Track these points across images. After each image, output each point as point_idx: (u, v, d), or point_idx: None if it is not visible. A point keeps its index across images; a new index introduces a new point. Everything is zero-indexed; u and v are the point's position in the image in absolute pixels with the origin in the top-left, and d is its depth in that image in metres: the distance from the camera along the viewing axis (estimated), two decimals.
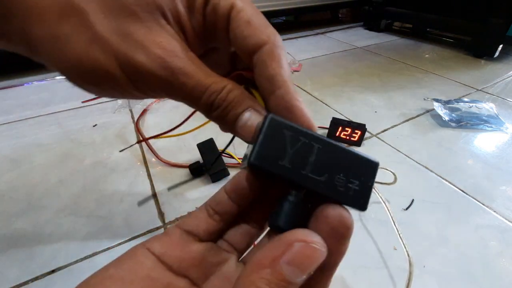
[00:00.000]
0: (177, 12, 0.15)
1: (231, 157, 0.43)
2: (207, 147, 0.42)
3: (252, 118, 0.15)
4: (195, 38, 0.16)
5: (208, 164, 0.40)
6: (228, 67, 0.20)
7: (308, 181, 0.13)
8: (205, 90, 0.15)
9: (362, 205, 0.14)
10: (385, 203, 0.33)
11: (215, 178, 0.40)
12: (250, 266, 0.12)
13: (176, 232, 0.16)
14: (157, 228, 0.34)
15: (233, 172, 0.42)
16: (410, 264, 0.28)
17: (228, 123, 0.16)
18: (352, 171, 0.13)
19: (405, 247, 0.29)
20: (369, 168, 0.14)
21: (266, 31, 0.16)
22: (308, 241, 0.12)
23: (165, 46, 0.14)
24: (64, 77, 0.15)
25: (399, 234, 0.30)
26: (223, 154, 0.43)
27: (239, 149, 0.47)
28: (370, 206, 0.37)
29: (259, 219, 0.17)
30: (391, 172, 0.38)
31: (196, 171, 0.41)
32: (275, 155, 0.13)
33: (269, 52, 0.15)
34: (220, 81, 0.15)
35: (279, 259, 0.12)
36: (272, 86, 0.15)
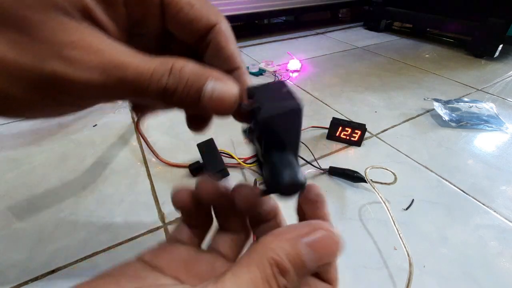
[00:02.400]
0: (84, 6, 0.12)
1: (231, 157, 0.43)
2: (207, 147, 0.42)
3: (217, 86, 0.13)
4: (117, 30, 0.14)
5: (208, 164, 0.40)
6: (156, 53, 0.16)
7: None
8: (150, 76, 0.12)
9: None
10: (385, 203, 0.33)
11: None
12: (272, 235, 0.13)
13: (165, 241, 0.18)
14: (157, 228, 0.34)
15: (233, 172, 0.42)
16: (410, 264, 0.28)
17: (192, 103, 0.13)
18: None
19: (405, 247, 0.29)
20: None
21: (212, 10, 0.15)
22: (333, 232, 0.13)
23: (82, 44, 0.11)
24: None
25: (399, 234, 0.30)
26: (223, 154, 0.43)
27: (239, 149, 0.47)
28: (370, 206, 0.37)
29: (239, 226, 0.18)
30: (391, 172, 0.38)
31: (196, 171, 0.41)
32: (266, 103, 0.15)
33: (222, 33, 0.15)
34: (164, 61, 0.13)
35: (301, 237, 0.12)
36: (231, 65, 0.15)
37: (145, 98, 0.13)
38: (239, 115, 0.15)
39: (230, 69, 0.16)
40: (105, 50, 0.12)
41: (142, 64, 0.12)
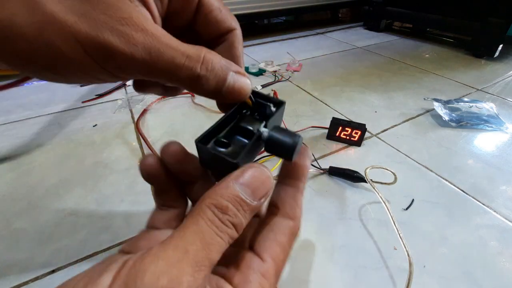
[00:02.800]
0: None
1: None
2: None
3: (237, 79, 0.16)
4: (158, 16, 0.16)
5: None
6: None
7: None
8: (184, 62, 0.14)
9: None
10: (385, 203, 0.33)
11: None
12: (208, 191, 0.14)
13: (141, 230, 0.18)
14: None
15: None
16: (410, 264, 0.28)
17: (216, 92, 0.16)
18: None
19: (405, 247, 0.29)
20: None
21: (233, 18, 0.19)
22: (256, 166, 0.14)
23: (132, 22, 0.13)
24: (14, 67, 0.13)
25: (399, 234, 0.30)
26: None
27: None
28: (370, 206, 0.37)
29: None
30: (391, 172, 0.38)
31: None
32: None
33: (238, 37, 0.18)
34: (197, 50, 0.14)
35: (232, 180, 0.14)
36: (236, 61, 0.18)
37: (175, 80, 0.14)
38: (227, 105, 0.18)
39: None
40: (149, 30, 0.13)
41: (178, 49, 0.14)
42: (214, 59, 0.15)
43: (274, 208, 0.18)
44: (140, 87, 0.20)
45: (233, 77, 0.16)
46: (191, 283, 0.11)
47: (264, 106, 0.18)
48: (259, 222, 0.17)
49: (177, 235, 0.12)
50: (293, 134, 0.16)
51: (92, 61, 0.13)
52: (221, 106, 0.19)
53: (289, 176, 0.18)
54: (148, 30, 0.13)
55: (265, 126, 0.17)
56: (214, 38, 0.18)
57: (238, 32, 0.19)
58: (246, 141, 0.17)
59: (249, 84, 0.17)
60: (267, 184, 0.14)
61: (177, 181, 0.18)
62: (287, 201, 0.18)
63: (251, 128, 0.17)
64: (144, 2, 0.14)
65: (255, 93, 0.18)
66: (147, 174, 0.17)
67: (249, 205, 0.13)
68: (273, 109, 0.18)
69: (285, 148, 0.16)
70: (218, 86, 0.15)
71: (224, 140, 0.16)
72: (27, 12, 0.12)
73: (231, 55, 0.18)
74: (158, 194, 0.18)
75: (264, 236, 0.16)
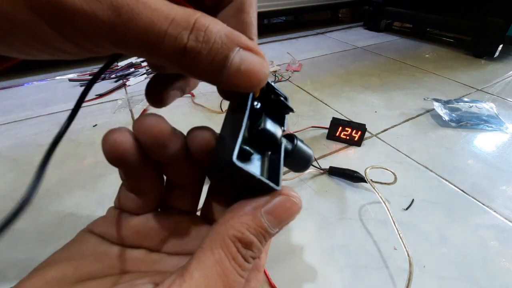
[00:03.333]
0: None
1: None
2: None
3: (247, 57, 0.11)
4: None
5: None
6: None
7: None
8: (167, 27, 0.10)
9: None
10: (385, 203, 0.33)
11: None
12: (230, 213, 0.12)
13: (112, 213, 0.16)
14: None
15: None
16: (410, 264, 0.28)
17: (214, 73, 0.11)
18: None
19: (405, 247, 0.29)
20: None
21: None
22: (289, 195, 0.13)
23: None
24: None
25: (399, 234, 0.30)
26: None
27: None
28: (370, 206, 0.37)
29: (190, 177, 0.16)
30: (391, 172, 0.38)
31: None
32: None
33: (242, 6, 0.13)
34: (187, 12, 0.10)
35: (260, 208, 0.12)
36: (245, 31, 0.13)
37: (156, 56, 0.10)
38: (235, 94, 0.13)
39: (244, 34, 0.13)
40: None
41: (161, 10, 0.10)
42: (211, 25, 0.10)
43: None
44: (154, 66, 0.16)
45: (240, 54, 0.11)
46: None
47: (278, 104, 0.14)
48: None
49: (198, 277, 0.11)
50: (306, 144, 0.14)
51: (44, 24, 0.09)
52: (223, 92, 0.15)
53: None
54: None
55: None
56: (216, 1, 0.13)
57: None
58: (268, 151, 0.14)
59: (263, 66, 0.11)
60: (294, 213, 0.13)
61: (154, 163, 0.15)
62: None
63: (277, 136, 0.13)
64: None
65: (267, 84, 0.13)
66: (116, 156, 0.13)
67: (271, 234, 0.12)
68: (288, 111, 0.14)
69: (305, 160, 0.14)
70: (216, 66, 0.11)
71: (250, 150, 0.13)
72: None
73: (239, 23, 0.13)
74: (129, 177, 0.15)
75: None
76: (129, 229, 0.15)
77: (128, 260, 0.14)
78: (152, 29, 0.09)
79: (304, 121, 0.55)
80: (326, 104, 0.63)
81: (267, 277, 0.28)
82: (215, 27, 0.10)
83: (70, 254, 0.14)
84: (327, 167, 0.42)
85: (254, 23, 0.13)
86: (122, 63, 0.79)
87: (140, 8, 0.09)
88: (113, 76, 0.73)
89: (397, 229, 0.31)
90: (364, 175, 0.38)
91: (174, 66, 0.11)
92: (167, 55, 0.10)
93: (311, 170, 0.42)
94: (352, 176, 0.40)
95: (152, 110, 0.59)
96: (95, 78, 0.14)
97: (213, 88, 0.51)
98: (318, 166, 0.43)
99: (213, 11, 0.13)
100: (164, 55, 0.10)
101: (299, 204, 0.13)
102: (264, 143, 0.13)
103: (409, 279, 0.27)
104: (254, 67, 0.11)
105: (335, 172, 0.41)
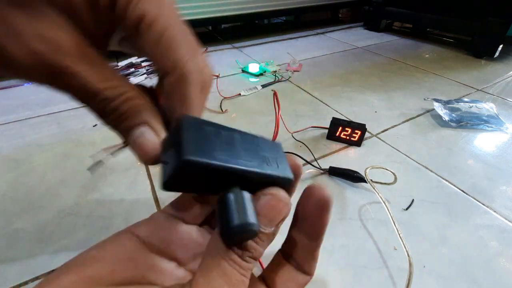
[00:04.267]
0: (70, 3, 0.12)
1: None
2: None
3: (144, 135, 0.13)
4: (99, 34, 0.13)
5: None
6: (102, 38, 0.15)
7: (247, 166, 0.13)
8: (98, 94, 0.12)
9: (289, 175, 0.15)
10: (385, 203, 0.33)
11: None
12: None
13: (161, 216, 0.16)
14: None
15: None
16: (410, 264, 0.28)
17: (122, 134, 0.14)
18: (269, 153, 0.15)
19: (405, 247, 0.29)
20: (277, 148, 0.16)
21: (178, 53, 0.13)
22: (274, 194, 0.13)
23: (49, 40, 0.11)
24: None
25: (399, 234, 0.30)
26: None
27: None
28: (370, 206, 0.37)
29: None
30: (391, 172, 0.38)
31: None
32: (207, 148, 0.12)
33: (176, 84, 0.14)
34: (118, 86, 0.12)
35: None
36: (183, 104, 0.14)
37: (83, 100, 0.13)
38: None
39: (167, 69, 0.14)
40: (67, 53, 0.12)
41: (95, 81, 0.12)
42: (132, 100, 0.13)
43: (288, 256, 0.17)
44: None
45: (141, 131, 0.13)
46: None
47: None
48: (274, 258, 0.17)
49: (203, 282, 0.12)
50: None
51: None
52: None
53: (307, 228, 0.17)
54: (66, 53, 0.11)
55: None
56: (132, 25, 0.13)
57: (178, 77, 0.13)
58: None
59: (153, 149, 0.14)
60: (284, 211, 0.13)
61: None
62: (305, 257, 0.17)
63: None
64: (77, 18, 0.12)
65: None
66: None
67: (267, 234, 0.13)
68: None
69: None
70: (122, 131, 0.14)
71: None
72: None
73: (180, 94, 0.14)
74: None
75: (280, 281, 0.16)
76: (173, 235, 0.15)
77: (159, 272, 0.14)
78: (83, 93, 0.12)
79: (304, 121, 0.55)
80: (326, 104, 0.63)
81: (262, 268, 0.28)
82: (131, 103, 0.13)
83: (107, 254, 0.14)
84: (327, 167, 0.42)
85: (193, 96, 0.14)
86: (122, 63, 0.79)
87: (75, 80, 0.12)
88: None
89: (397, 229, 0.31)
90: (364, 175, 0.38)
91: (98, 118, 0.13)
92: (93, 110, 0.13)
93: (311, 170, 0.42)
94: (352, 176, 0.40)
95: None
96: None
97: (213, 88, 0.52)
98: (318, 166, 0.43)
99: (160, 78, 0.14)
100: (92, 109, 0.13)
101: (285, 201, 0.13)
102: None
103: (409, 279, 0.27)
104: (145, 146, 0.13)
105: (335, 172, 0.41)
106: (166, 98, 0.14)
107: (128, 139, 0.14)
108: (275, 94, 0.41)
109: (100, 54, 0.13)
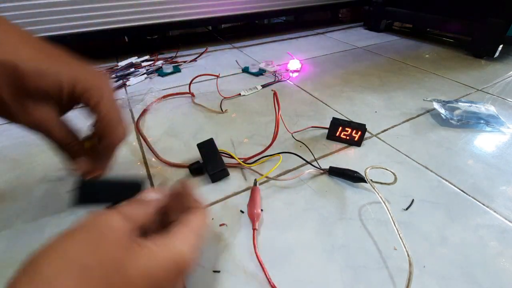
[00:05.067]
0: (55, 98, 0.25)
1: (231, 157, 0.43)
2: (207, 147, 0.41)
3: (81, 162, 0.29)
4: (65, 108, 0.27)
5: (208, 164, 0.40)
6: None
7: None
8: (65, 143, 0.27)
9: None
10: (385, 203, 0.33)
11: (215, 179, 0.40)
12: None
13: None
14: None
15: (233, 173, 0.42)
16: (410, 264, 0.28)
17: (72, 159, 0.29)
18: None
19: (405, 247, 0.29)
20: (136, 187, 0.29)
21: (111, 124, 0.28)
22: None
23: (41, 119, 0.25)
24: None
25: (399, 234, 0.30)
26: (223, 154, 0.43)
27: (239, 149, 0.47)
28: (370, 205, 0.37)
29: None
30: (391, 172, 0.38)
31: (196, 171, 0.41)
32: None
33: (109, 141, 0.29)
34: (71, 138, 0.28)
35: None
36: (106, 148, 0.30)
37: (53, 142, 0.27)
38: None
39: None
40: (50, 123, 0.26)
41: (64, 136, 0.27)
42: (76, 146, 0.29)
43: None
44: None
45: (80, 160, 0.29)
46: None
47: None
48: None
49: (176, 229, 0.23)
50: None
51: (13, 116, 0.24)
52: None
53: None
54: (50, 123, 0.26)
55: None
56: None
57: (111, 138, 0.29)
58: None
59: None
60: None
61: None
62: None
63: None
64: (55, 102, 0.25)
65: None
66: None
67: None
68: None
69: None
70: (73, 158, 0.29)
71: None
72: None
73: (104, 145, 0.29)
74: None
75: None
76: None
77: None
78: (59, 141, 0.27)
79: (304, 121, 0.55)
80: (326, 104, 0.63)
81: (267, 277, 0.28)
82: (76, 147, 0.29)
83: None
84: (327, 167, 0.42)
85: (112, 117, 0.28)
86: (122, 63, 0.79)
87: (55, 136, 0.27)
88: (113, 76, 0.73)
89: (397, 229, 0.31)
90: (364, 175, 0.38)
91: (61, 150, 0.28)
92: (63, 148, 0.28)
93: (310, 170, 0.42)
94: (352, 176, 0.40)
95: (152, 110, 0.59)
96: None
97: (213, 88, 0.52)
98: (318, 166, 0.43)
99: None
100: (62, 147, 0.28)
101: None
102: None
103: (409, 279, 0.27)
104: (82, 168, 0.29)
105: (335, 172, 0.41)
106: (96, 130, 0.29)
107: (64, 151, 0.28)
108: (275, 94, 0.41)
109: (63, 122, 0.27)
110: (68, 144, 0.27)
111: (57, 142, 0.27)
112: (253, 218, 0.34)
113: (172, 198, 0.26)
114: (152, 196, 0.25)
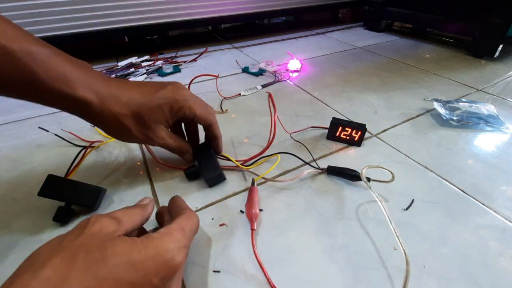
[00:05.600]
0: (168, 122, 0.35)
1: (228, 159, 0.42)
2: (203, 150, 0.41)
3: (186, 156, 0.41)
4: (173, 125, 0.41)
5: (204, 169, 0.39)
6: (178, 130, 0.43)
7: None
8: (172, 148, 0.38)
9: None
10: (381, 202, 0.33)
11: (211, 184, 0.40)
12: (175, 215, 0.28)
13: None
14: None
15: (231, 175, 0.42)
16: (407, 263, 0.28)
17: (180, 155, 0.41)
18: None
19: (401, 246, 0.29)
20: (95, 193, 0.36)
21: (211, 118, 0.38)
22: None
23: (160, 137, 0.36)
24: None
25: (396, 233, 0.30)
26: (219, 157, 0.43)
27: (239, 149, 0.47)
28: (369, 205, 0.37)
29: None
30: (388, 171, 0.38)
31: (192, 175, 0.40)
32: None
33: (213, 126, 0.39)
34: (178, 144, 0.39)
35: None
36: (214, 137, 0.41)
37: (167, 150, 0.39)
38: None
39: (214, 138, 0.41)
40: (167, 140, 0.37)
41: (181, 146, 0.39)
42: (183, 147, 0.40)
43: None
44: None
45: (186, 156, 0.41)
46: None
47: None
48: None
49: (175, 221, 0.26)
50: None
51: (142, 143, 0.44)
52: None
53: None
54: (165, 139, 0.36)
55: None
56: (206, 127, 0.40)
57: (215, 123, 0.39)
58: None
59: (190, 159, 0.42)
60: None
61: None
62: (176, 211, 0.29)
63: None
64: (168, 124, 0.36)
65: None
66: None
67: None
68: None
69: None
70: (180, 154, 0.41)
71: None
72: (127, 132, 0.34)
73: (213, 134, 0.40)
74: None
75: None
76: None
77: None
78: (177, 151, 0.40)
79: (304, 121, 0.55)
80: (326, 104, 0.63)
81: (266, 277, 0.28)
82: (184, 146, 0.40)
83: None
84: (326, 166, 0.42)
85: (219, 136, 0.41)
86: (122, 63, 0.79)
87: (167, 144, 0.38)
88: (113, 76, 0.73)
89: (393, 227, 0.31)
90: (361, 174, 0.38)
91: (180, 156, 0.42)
92: (182, 156, 0.42)
93: (309, 170, 0.42)
94: (350, 175, 0.40)
95: None
96: None
97: (213, 88, 0.52)
98: (317, 166, 0.43)
99: (206, 130, 0.41)
100: (181, 156, 0.42)
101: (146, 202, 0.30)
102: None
103: (406, 277, 0.27)
104: (188, 159, 0.43)
105: (333, 171, 0.41)
106: (209, 134, 0.41)
107: (182, 156, 0.41)
108: (270, 96, 0.41)
109: (172, 134, 0.38)
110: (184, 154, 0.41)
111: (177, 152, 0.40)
112: (251, 218, 0.34)
113: (164, 210, 0.31)
114: (145, 202, 0.29)
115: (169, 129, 0.37)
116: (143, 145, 0.48)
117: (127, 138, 0.34)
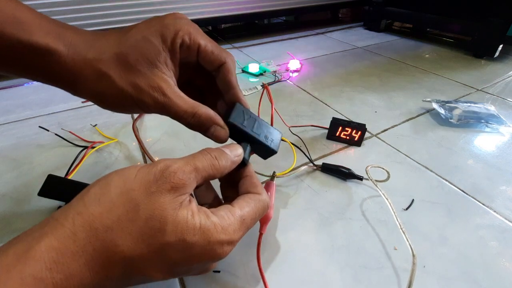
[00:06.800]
0: (166, 62, 0.24)
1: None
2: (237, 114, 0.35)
3: (216, 129, 0.26)
4: (178, 70, 0.26)
5: (268, 140, 0.32)
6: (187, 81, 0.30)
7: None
8: (183, 114, 0.25)
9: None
10: (387, 199, 0.33)
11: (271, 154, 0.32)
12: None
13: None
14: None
15: None
16: (414, 263, 0.28)
17: (202, 132, 0.26)
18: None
19: (408, 241, 0.29)
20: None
21: (222, 54, 0.26)
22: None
23: (157, 88, 0.24)
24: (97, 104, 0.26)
25: (403, 232, 0.30)
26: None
27: None
28: (370, 205, 0.37)
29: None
30: (385, 170, 0.38)
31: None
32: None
33: (226, 68, 0.27)
34: (192, 107, 0.25)
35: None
36: (228, 87, 0.27)
37: (178, 120, 0.26)
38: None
39: (228, 89, 0.27)
40: (167, 94, 0.24)
41: (180, 107, 0.24)
42: (203, 114, 0.25)
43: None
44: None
45: (213, 129, 0.26)
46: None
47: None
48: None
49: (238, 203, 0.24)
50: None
51: (137, 106, 0.24)
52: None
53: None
54: (167, 94, 0.24)
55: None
56: (215, 69, 0.27)
57: (229, 62, 0.27)
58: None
59: (224, 135, 0.26)
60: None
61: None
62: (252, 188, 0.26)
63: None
64: (169, 68, 0.25)
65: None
66: None
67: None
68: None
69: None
70: (203, 130, 0.26)
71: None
72: (111, 87, 0.24)
73: (227, 82, 0.27)
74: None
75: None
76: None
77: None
78: (176, 114, 0.25)
79: (304, 121, 0.55)
80: (326, 104, 0.63)
81: (263, 278, 0.28)
82: (204, 115, 0.25)
83: None
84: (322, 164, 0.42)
85: (234, 79, 0.27)
86: None
87: (173, 105, 0.24)
88: None
89: (400, 225, 0.31)
90: (360, 174, 0.38)
91: (187, 127, 0.26)
92: (184, 124, 0.26)
93: (304, 167, 0.42)
94: (344, 173, 0.40)
95: None
96: None
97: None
98: (312, 164, 0.43)
99: (216, 74, 0.27)
100: (183, 123, 0.26)
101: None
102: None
103: (411, 276, 0.27)
104: (219, 135, 0.26)
105: (327, 168, 0.41)
106: (220, 79, 0.27)
107: (207, 134, 0.26)
108: (266, 87, 0.38)
109: (180, 91, 0.25)
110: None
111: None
112: (263, 221, 0.29)
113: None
114: (239, 152, 0.25)
115: (174, 81, 0.25)
116: (142, 145, 0.48)
117: (110, 96, 0.24)
